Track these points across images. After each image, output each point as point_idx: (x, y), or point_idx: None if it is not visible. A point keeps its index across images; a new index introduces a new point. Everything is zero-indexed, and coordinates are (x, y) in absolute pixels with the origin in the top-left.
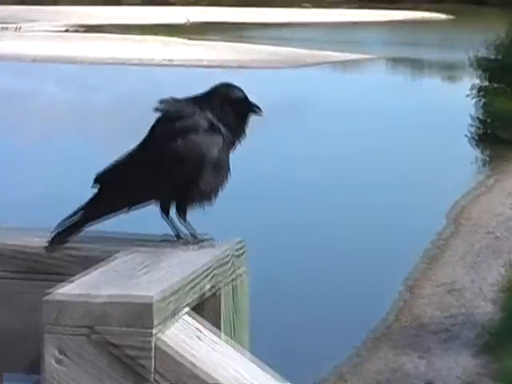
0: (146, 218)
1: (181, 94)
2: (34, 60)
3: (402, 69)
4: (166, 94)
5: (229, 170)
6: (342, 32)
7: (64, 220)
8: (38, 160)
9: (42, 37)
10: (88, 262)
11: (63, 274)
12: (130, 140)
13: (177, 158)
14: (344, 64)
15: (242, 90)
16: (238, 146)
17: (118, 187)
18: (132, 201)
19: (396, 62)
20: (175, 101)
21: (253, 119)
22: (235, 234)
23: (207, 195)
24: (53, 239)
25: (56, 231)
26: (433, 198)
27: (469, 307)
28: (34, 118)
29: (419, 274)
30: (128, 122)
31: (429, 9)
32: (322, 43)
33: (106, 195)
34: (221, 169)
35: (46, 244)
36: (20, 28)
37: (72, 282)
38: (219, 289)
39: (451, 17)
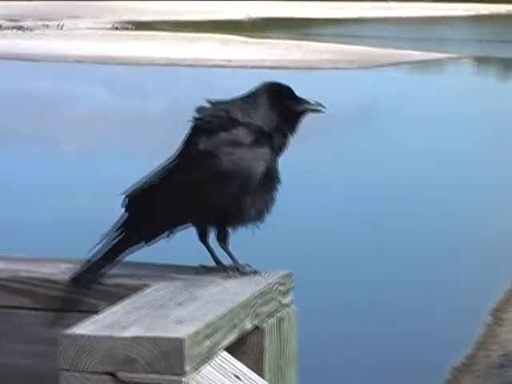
0: (183, 244)
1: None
2: (79, 61)
3: (490, 70)
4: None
5: (278, 179)
6: (421, 28)
7: (91, 253)
8: (83, 173)
9: (86, 35)
10: (114, 298)
11: (86, 311)
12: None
13: (220, 176)
14: (424, 64)
15: (289, 88)
16: (286, 149)
17: (153, 212)
18: (169, 227)
19: (484, 61)
20: (214, 107)
21: (322, 128)
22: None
23: (254, 216)
24: (79, 277)
25: (83, 268)
26: None
27: None
28: (79, 125)
29: (504, 297)
30: (182, 131)
31: None
32: (398, 41)
33: (139, 222)
34: (270, 182)
35: (69, 278)
36: (63, 25)
37: (94, 319)
38: (263, 321)
39: None
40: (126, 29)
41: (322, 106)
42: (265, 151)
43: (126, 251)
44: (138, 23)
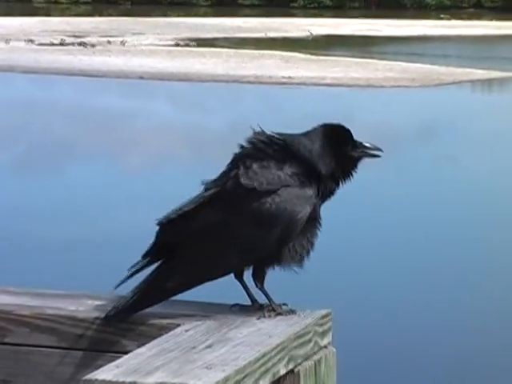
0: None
1: (300, 116)
2: (141, 77)
3: None
4: (285, 117)
5: (320, 224)
6: (485, 46)
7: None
8: (146, 189)
9: (149, 51)
10: (144, 338)
11: (114, 352)
12: None
13: (261, 219)
14: (487, 83)
15: (348, 132)
16: (333, 195)
17: (191, 260)
18: (208, 277)
19: None
20: (269, 135)
21: (383, 146)
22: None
23: (293, 260)
24: (110, 317)
25: (115, 309)
26: None
27: None
28: (142, 141)
29: None
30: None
31: None
32: (460, 59)
33: (177, 268)
34: (311, 227)
35: (103, 316)
36: (125, 42)
37: (119, 362)
38: (298, 364)
39: None
40: (188, 45)
41: (380, 150)
42: (312, 194)
43: (165, 298)
44: (200, 40)
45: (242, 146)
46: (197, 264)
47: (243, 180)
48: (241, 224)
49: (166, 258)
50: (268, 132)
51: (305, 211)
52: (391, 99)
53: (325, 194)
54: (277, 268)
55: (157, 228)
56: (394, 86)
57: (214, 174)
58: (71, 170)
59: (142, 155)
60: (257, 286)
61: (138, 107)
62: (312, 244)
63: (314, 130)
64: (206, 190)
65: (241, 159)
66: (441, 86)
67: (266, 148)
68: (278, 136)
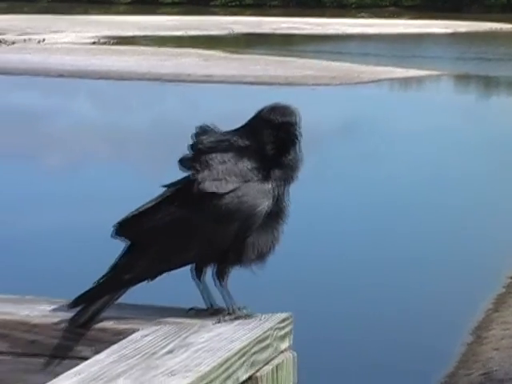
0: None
1: (220, 115)
2: (61, 75)
3: (471, 87)
4: (204, 115)
5: (284, 216)
6: (402, 45)
7: (85, 296)
8: (67, 189)
9: (68, 49)
10: (99, 343)
11: (69, 358)
12: (166, 169)
13: (220, 215)
14: (405, 81)
15: (290, 112)
16: (296, 179)
17: (149, 252)
18: (165, 268)
19: (465, 79)
20: (215, 133)
21: (303, 144)
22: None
23: (255, 258)
24: (75, 320)
25: (80, 311)
26: (502, 234)
27: None
28: (62, 140)
29: (485, 316)
30: (163, 148)
31: (499, 19)
32: (380, 58)
33: (136, 262)
34: (274, 221)
35: (51, 321)
36: (44, 40)
37: (78, 369)
38: (259, 369)
39: None
40: (108, 43)
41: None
42: (271, 187)
43: (123, 291)
44: (120, 38)
45: (193, 147)
46: (154, 257)
47: (202, 180)
48: (199, 219)
49: (123, 253)
50: (216, 130)
51: (264, 205)
52: (311, 97)
53: (283, 182)
54: (240, 266)
55: (115, 228)
56: (314, 84)
57: (134, 170)
58: None
59: (63, 154)
60: (219, 285)
61: (59, 105)
62: (277, 240)
63: (255, 115)
64: (166, 190)
65: (196, 159)
66: (361, 84)
67: (219, 146)
68: (226, 133)
